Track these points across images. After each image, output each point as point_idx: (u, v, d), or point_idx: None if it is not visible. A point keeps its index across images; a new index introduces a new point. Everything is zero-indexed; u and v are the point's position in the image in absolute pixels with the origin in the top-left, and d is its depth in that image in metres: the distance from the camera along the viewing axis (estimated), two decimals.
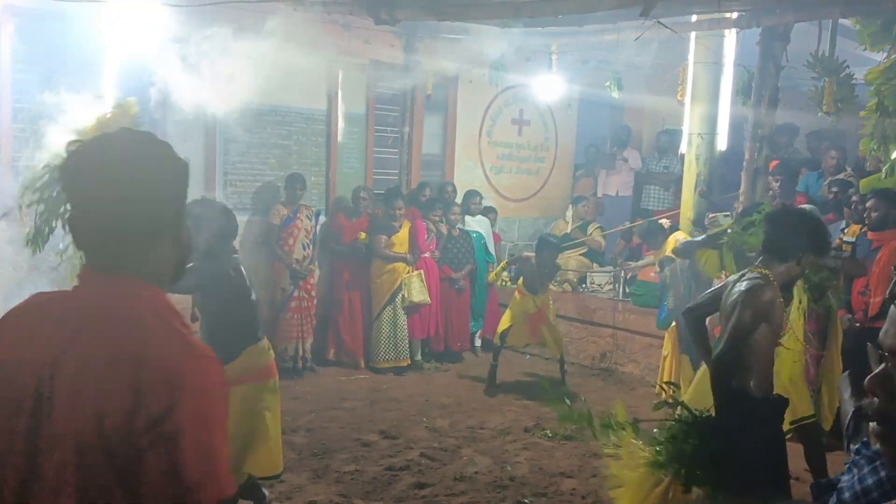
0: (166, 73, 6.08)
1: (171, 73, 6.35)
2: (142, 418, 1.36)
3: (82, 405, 1.38)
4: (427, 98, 8.72)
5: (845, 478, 1.57)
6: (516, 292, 7.26)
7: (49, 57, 5.88)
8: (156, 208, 1.51)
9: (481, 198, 8.62)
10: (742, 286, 3.51)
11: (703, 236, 5.27)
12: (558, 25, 6.61)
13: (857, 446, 1.67)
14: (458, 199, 8.46)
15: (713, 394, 3.57)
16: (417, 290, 7.70)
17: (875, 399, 1.45)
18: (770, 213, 3.92)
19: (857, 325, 5.60)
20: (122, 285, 1.50)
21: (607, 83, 8.54)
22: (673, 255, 6.53)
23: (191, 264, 3.70)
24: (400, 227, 7.75)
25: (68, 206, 1.59)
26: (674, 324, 6.49)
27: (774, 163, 6.91)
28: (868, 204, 5.69)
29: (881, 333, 1.46)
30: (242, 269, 4.10)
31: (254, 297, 4.14)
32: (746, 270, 3.72)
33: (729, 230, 5.12)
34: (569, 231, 9.11)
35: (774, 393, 3.64)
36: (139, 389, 1.37)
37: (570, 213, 9.38)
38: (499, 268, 7.76)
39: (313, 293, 7.49)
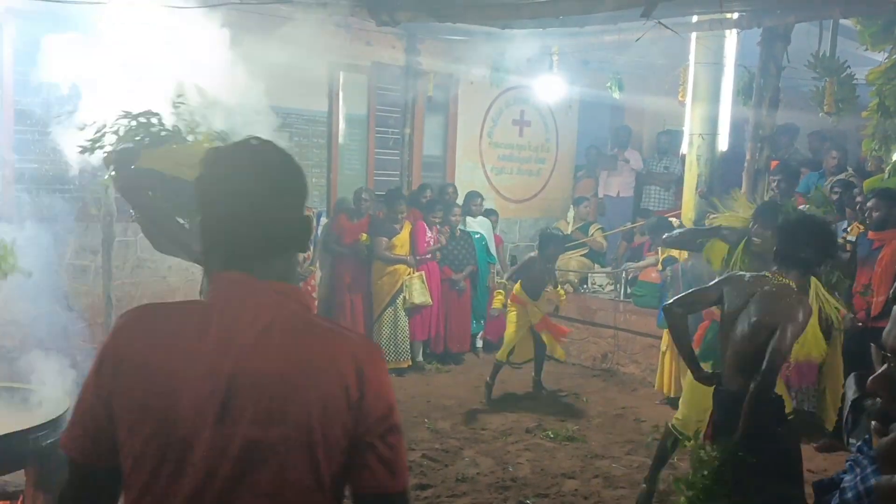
0: (167, 75, 6.08)
1: (172, 74, 6.35)
2: (370, 416, 1.47)
3: (299, 409, 1.43)
4: (428, 99, 8.72)
5: (847, 477, 1.57)
6: (512, 303, 6.94)
7: (51, 59, 5.88)
8: (295, 212, 1.57)
9: (482, 199, 8.62)
10: (779, 303, 3.50)
11: (707, 227, 5.20)
12: (559, 27, 6.60)
13: (858, 444, 1.67)
14: (459, 201, 8.46)
15: (746, 414, 3.48)
16: (419, 292, 7.70)
17: (878, 399, 1.45)
18: (784, 223, 3.93)
19: (860, 324, 5.59)
20: (283, 290, 1.53)
21: (608, 84, 8.55)
22: (666, 247, 6.48)
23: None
24: (401, 229, 7.75)
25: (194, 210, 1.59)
26: None
27: (775, 163, 6.91)
28: (869, 204, 5.69)
29: (884, 334, 1.45)
30: None
31: None
32: (763, 274, 3.71)
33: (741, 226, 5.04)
34: (570, 232, 9.11)
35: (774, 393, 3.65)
36: (364, 390, 1.46)
37: (571, 214, 9.38)
38: (498, 297, 7.21)
39: (314, 294, 7.49)
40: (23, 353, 6.01)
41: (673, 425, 4.65)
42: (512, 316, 6.92)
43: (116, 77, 5.66)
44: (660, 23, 4.72)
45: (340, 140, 8.14)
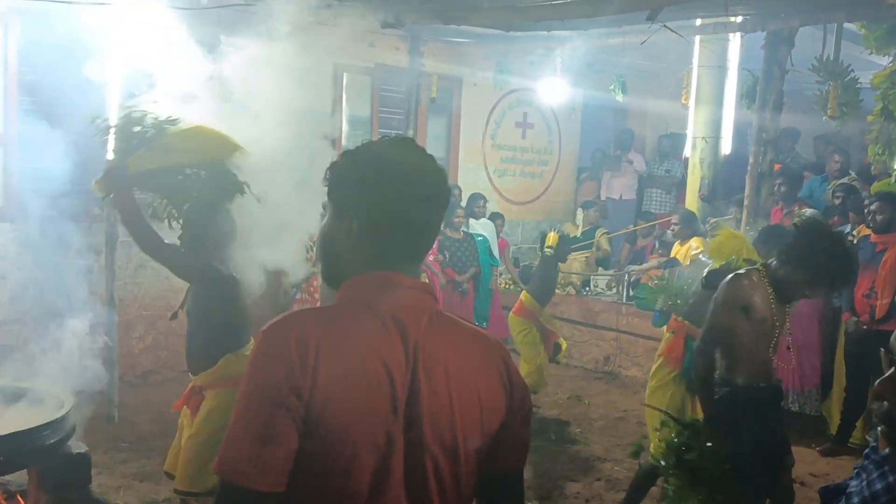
0: (170, 75, 6.06)
1: (174, 75, 6.33)
2: (517, 400, 1.58)
3: (472, 397, 1.51)
4: (431, 101, 8.72)
5: (853, 483, 1.57)
6: (519, 317, 6.43)
7: (56, 58, 5.88)
8: (442, 213, 1.61)
9: (485, 201, 8.61)
10: (724, 282, 3.54)
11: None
12: (563, 29, 6.61)
13: (866, 450, 1.66)
14: (463, 203, 8.45)
15: (695, 387, 3.57)
16: None
17: (884, 403, 1.45)
18: (803, 224, 3.80)
19: (864, 327, 5.59)
20: (427, 288, 1.60)
21: (611, 87, 8.55)
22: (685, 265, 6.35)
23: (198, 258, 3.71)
24: None
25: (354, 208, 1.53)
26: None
27: (778, 166, 6.91)
28: (872, 207, 5.69)
29: (892, 338, 1.45)
30: (236, 277, 3.97)
31: (246, 304, 3.99)
32: (755, 268, 3.69)
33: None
34: (578, 234, 9.08)
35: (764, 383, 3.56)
36: (511, 377, 1.58)
37: (580, 217, 9.35)
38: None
39: (316, 296, 7.48)
40: (25, 352, 6.03)
41: (652, 456, 4.21)
42: (528, 339, 6.41)
43: (119, 77, 5.68)
44: (665, 26, 4.72)
45: (343, 141, 8.14)
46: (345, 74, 7.99)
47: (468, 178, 9.21)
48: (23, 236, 6.01)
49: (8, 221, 5.96)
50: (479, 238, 8.38)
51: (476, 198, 8.54)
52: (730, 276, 3.54)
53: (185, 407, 3.85)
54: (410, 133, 8.62)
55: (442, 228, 7.81)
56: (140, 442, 5.52)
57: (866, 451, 1.65)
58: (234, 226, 3.93)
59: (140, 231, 3.67)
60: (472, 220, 8.43)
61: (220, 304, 3.79)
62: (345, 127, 8.12)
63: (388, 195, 1.51)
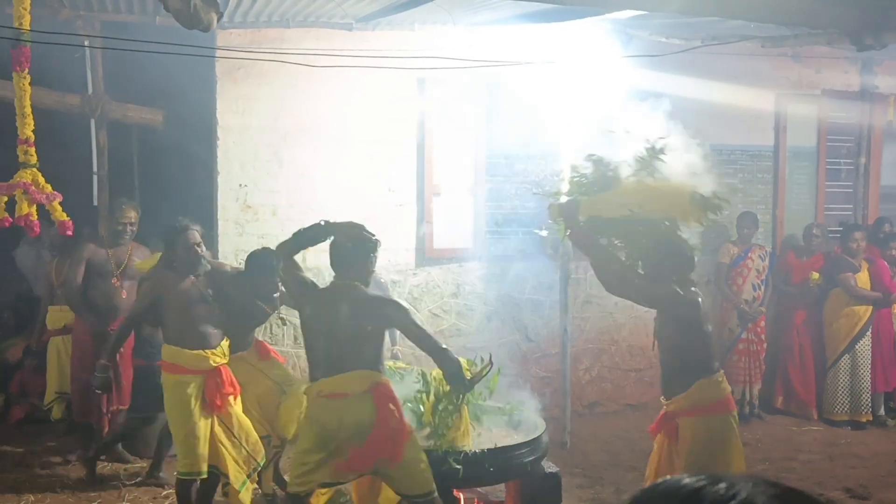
0: (627, 122, 6.38)
1: (628, 120, 6.65)
2: None
3: None
4: (888, 125, 7.88)
5: None
6: None
7: (514, 115, 6.56)
8: None
9: None
10: None
11: None
12: None
13: None
14: None
15: None
16: None
17: None
18: None
19: None
20: None
21: None
22: None
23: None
24: (860, 266, 7.04)
25: None
26: None
27: None
28: None
29: None
30: (699, 300, 4.07)
31: (709, 328, 4.07)
32: None
33: None
34: None
35: None
36: None
37: None
38: None
39: (763, 336, 7.17)
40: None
41: None
42: None
43: (571, 129, 6.15)
44: None
45: (786, 174, 7.76)
46: (788, 105, 7.62)
47: None
48: (488, 274, 6.79)
49: (477, 261, 6.77)
50: None
51: None
52: None
53: (660, 432, 4.00)
54: (863, 161, 7.88)
55: None
56: (591, 469, 5.79)
57: None
58: (692, 251, 4.02)
59: (601, 259, 3.94)
60: None
61: (686, 327, 3.90)
62: (788, 159, 7.72)
63: None
